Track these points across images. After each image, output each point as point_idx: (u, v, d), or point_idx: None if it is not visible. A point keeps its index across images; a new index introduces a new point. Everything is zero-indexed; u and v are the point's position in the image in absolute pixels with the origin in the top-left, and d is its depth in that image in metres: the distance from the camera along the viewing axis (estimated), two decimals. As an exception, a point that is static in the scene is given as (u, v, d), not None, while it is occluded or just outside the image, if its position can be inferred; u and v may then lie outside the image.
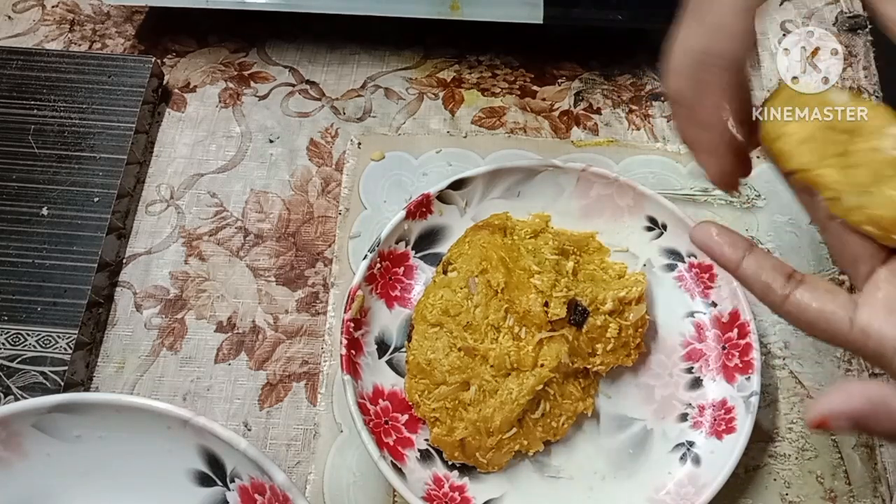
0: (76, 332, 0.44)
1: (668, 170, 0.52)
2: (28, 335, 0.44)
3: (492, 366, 0.41)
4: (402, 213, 0.46)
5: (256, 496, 0.36)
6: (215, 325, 0.47)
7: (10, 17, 0.59)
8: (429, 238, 0.47)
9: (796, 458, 0.44)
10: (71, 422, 0.36)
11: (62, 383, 0.43)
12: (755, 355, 0.42)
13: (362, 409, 0.40)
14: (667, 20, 0.53)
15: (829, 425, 0.26)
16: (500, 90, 0.56)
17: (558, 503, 0.41)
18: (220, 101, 0.55)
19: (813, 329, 0.27)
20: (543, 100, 0.56)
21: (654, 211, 0.47)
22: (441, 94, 0.56)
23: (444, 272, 0.45)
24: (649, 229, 0.48)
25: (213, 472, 0.36)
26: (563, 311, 0.41)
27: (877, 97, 0.55)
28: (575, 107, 0.55)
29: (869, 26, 0.57)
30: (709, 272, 0.45)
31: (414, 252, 0.47)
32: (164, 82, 0.56)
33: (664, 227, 0.47)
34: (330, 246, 0.50)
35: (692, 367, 0.45)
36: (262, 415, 0.45)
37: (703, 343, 0.45)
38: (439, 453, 0.42)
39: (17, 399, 0.42)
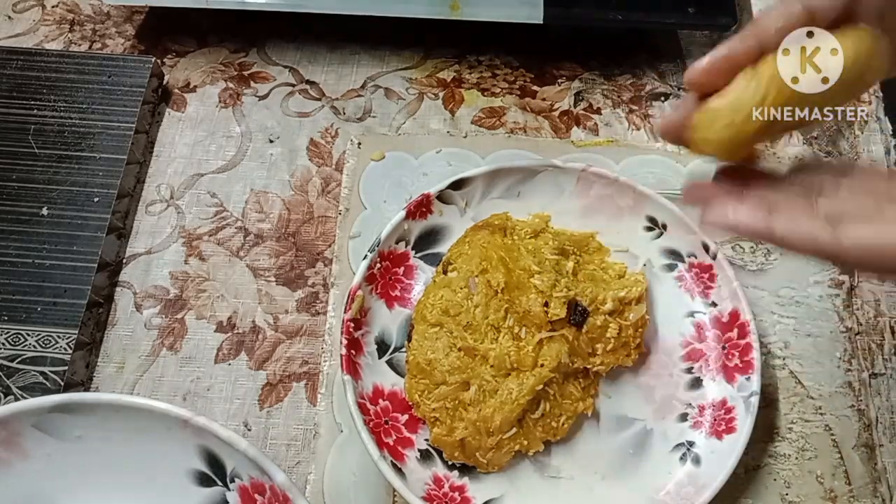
0: (76, 332, 0.44)
1: (668, 170, 0.52)
2: (28, 335, 0.44)
3: (492, 366, 0.41)
4: (402, 213, 0.46)
5: (256, 496, 0.36)
6: (215, 325, 0.47)
7: (10, 17, 0.59)
8: (429, 238, 0.47)
9: (796, 458, 0.44)
10: (71, 422, 0.36)
11: (62, 383, 0.43)
12: (755, 355, 0.42)
13: (362, 409, 0.40)
14: (667, 20, 0.54)
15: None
16: (500, 90, 0.56)
17: (558, 503, 0.41)
18: (220, 101, 0.55)
19: (802, 251, 0.30)
20: (543, 100, 0.56)
21: (654, 211, 0.47)
22: (441, 94, 0.56)
23: (444, 272, 0.45)
24: (649, 229, 0.48)
25: (213, 472, 0.36)
26: (563, 311, 0.41)
27: (877, 97, 0.55)
28: (575, 107, 0.55)
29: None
30: (709, 272, 0.45)
31: (414, 252, 0.47)
32: (164, 82, 0.56)
33: (664, 227, 0.47)
34: (330, 246, 0.50)
35: (692, 367, 0.45)
36: (262, 415, 0.45)
37: (703, 343, 0.45)
38: (439, 453, 0.42)
39: (17, 399, 0.42)
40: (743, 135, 0.30)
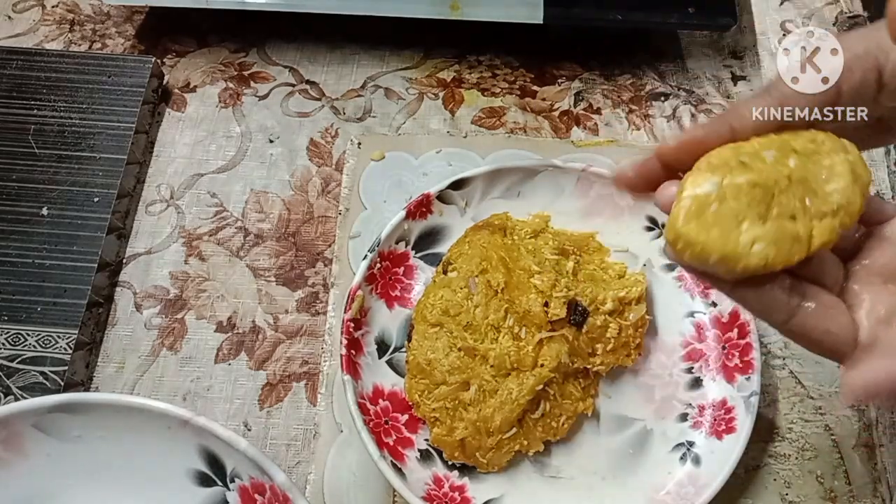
0: (76, 332, 0.44)
1: (668, 170, 0.52)
2: (28, 335, 0.44)
3: (492, 366, 0.41)
4: (402, 213, 0.46)
5: (256, 496, 0.36)
6: (215, 325, 0.47)
7: (10, 17, 0.59)
8: (429, 238, 0.47)
9: (796, 458, 0.44)
10: (71, 422, 0.36)
11: (62, 383, 0.43)
12: (755, 355, 0.42)
13: (362, 409, 0.40)
14: (667, 20, 0.54)
15: (866, 401, 0.25)
16: (500, 90, 0.56)
17: (558, 503, 0.41)
18: (220, 101, 0.55)
19: (815, 348, 0.27)
20: (543, 100, 0.56)
21: (654, 211, 0.47)
22: (441, 94, 0.56)
23: (444, 272, 0.45)
24: (649, 229, 0.48)
25: (213, 472, 0.36)
26: (563, 311, 0.41)
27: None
28: (575, 107, 0.55)
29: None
30: (709, 272, 0.45)
31: (414, 252, 0.47)
32: (164, 82, 0.56)
33: (664, 227, 0.47)
34: (330, 246, 0.50)
35: (692, 367, 0.45)
36: (262, 415, 0.45)
37: (703, 343, 0.45)
38: (439, 453, 0.42)
39: (17, 399, 0.42)
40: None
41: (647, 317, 0.43)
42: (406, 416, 0.43)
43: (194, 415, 0.35)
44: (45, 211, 0.48)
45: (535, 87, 0.56)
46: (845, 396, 0.26)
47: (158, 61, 0.55)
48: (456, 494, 0.41)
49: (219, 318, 0.47)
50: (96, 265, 0.46)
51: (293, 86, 0.56)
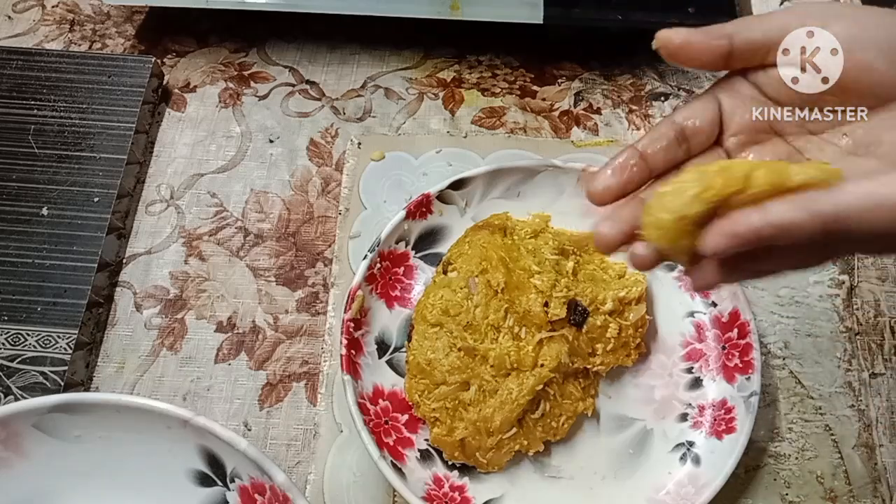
0: (76, 332, 0.44)
1: (668, 170, 0.52)
2: (28, 335, 0.44)
3: (492, 366, 0.41)
4: (402, 213, 0.46)
5: (256, 496, 0.36)
6: (215, 325, 0.47)
7: (10, 17, 0.59)
8: (429, 238, 0.47)
9: (796, 458, 0.44)
10: (71, 422, 0.36)
11: (62, 383, 0.43)
12: (755, 355, 0.42)
13: (362, 409, 0.40)
14: (667, 20, 0.53)
15: None
16: (500, 90, 0.56)
17: (558, 503, 0.41)
18: (220, 101, 0.55)
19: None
20: (543, 100, 0.56)
21: (654, 211, 0.47)
22: (441, 94, 0.56)
23: (444, 272, 0.45)
24: (649, 229, 0.47)
25: (213, 472, 0.36)
26: (563, 311, 0.41)
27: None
28: (575, 107, 0.55)
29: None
30: (709, 272, 0.45)
31: (414, 252, 0.47)
32: (164, 82, 0.56)
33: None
34: (330, 246, 0.50)
35: (692, 367, 0.45)
36: (262, 415, 0.45)
37: (703, 343, 0.45)
38: (439, 453, 0.42)
39: (17, 399, 0.42)
40: (683, 221, 0.27)
41: (647, 317, 0.43)
42: (406, 416, 0.43)
43: (194, 415, 0.35)
44: (45, 211, 0.48)
45: (535, 87, 0.56)
46: None
47: (158, 61, 0.55)
48: (456, 494, 0.41)
49: (219, 318, 0.47)
50: (96, 265, 0.46)
51: (293, 86, 0.56)
